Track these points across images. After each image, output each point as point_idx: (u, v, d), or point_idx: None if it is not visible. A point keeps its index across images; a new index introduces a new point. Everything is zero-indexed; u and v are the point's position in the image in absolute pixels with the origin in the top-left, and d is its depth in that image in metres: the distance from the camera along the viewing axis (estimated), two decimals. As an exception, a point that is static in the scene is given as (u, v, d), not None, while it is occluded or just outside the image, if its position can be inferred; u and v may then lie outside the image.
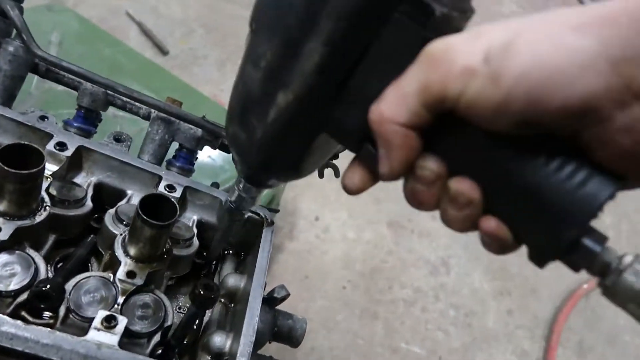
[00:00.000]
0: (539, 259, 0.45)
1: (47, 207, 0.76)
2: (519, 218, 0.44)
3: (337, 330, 2.01)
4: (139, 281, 0.74)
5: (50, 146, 0.82)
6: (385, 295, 2.16)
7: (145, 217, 0.70)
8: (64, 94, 0.95)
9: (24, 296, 0.69)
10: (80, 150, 0.84)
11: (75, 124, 0.89)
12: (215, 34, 2.88)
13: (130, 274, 0.74)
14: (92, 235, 0.85)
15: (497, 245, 0.46)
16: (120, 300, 0.73)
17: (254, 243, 0.97)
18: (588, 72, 0.36)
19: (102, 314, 0.67)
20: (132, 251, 0.75)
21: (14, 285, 0.68)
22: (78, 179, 0.86)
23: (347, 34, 0.45)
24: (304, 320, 0.97)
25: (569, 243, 0.42)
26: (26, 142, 0.69)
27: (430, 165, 0.46)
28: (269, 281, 0.97)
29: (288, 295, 0.99)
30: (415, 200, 0.48)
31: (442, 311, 2.16)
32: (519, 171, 0.42)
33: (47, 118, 0.87)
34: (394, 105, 0.44)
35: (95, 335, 0.64)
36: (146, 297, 0.76)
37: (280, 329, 0.94)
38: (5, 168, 0.64)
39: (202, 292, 0.73)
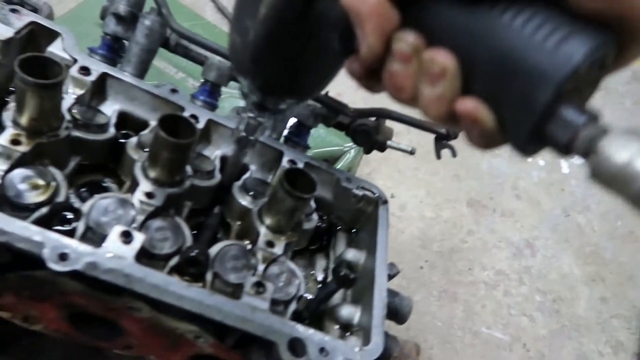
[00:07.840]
0: (518, 136, 0.44)
1: (190, 178, 0.87)
2: (496, 90, 0.44)
3: (414, 311, 2.09)
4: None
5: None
6: (464, 277, 2.23)
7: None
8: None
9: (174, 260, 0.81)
10: (209, 123, 0.95)
11: (201, 98, 0.99)
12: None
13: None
14: (218, 206, 0.96)
15: (478, 132, 0.46)
16: (261, 267, 0.84)
17: (365, 219, 1.06)
18: None
19: (251, 280, 0.78)
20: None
21: (167, 249, 0.80)
22: (206, 151, 0.97)
23: None
24: (409, 299, 1.07)
25: (543, 107, 0.41)
26: (182, 115, 0.80)
27: (407, 38, 0.47)
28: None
29: (398, 272, 1.09)
30: (393, 85, 0.50)
31: (526, 296, 2.22)
32: (492, 33, 0.44)
33: (178, 91, 0.98)
34: None
35: (249, 300, 0.76)
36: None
37: (389, 306, 1.04)
38: (169, 138, 0.75)
39: (345, 273, 0.83)
